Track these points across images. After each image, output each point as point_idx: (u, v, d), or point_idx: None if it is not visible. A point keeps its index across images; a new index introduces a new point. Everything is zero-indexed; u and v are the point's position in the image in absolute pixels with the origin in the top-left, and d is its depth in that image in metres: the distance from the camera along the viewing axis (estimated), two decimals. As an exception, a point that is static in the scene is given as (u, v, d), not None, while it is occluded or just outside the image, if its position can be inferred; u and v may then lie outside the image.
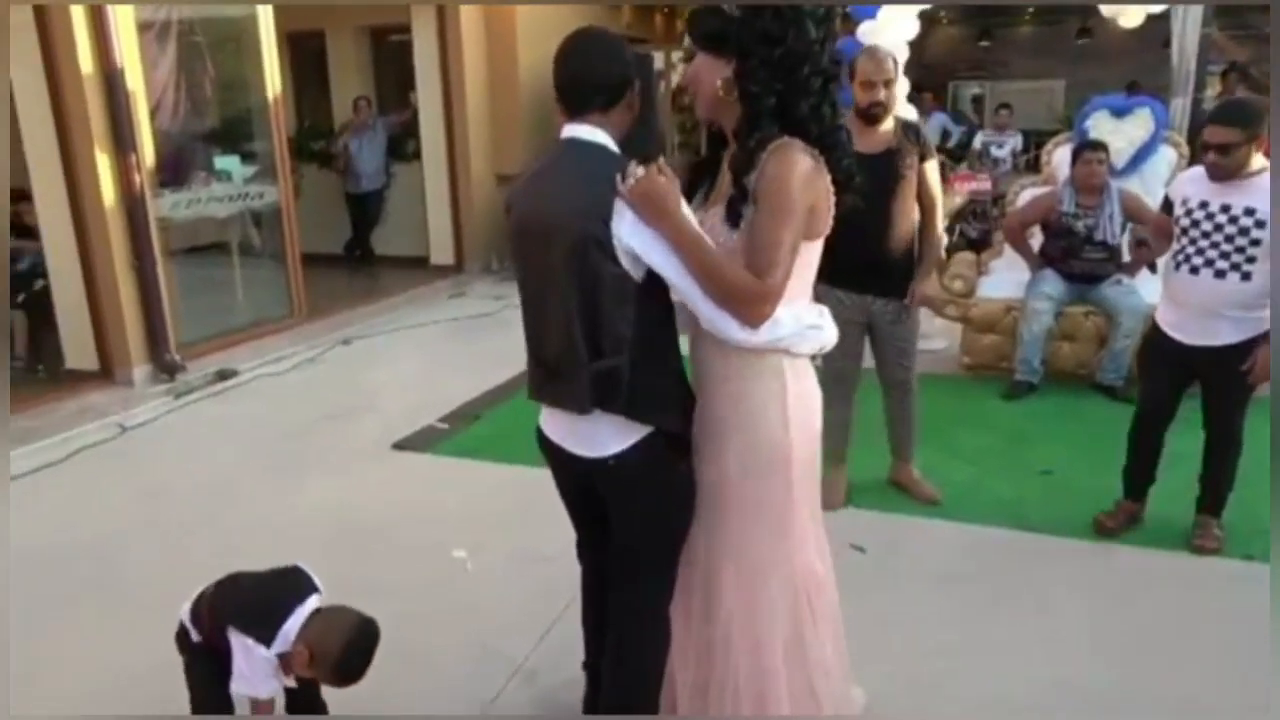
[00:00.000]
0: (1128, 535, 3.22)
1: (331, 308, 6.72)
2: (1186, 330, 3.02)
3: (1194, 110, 7.12)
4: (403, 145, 8.67)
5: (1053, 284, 4.64)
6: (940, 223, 3.50)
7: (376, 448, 4.29)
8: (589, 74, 1.81)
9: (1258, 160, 2.85)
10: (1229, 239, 2.88)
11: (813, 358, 1.91)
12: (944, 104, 11.55)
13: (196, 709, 2.14)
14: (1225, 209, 2.90)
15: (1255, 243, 2.85)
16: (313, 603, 2.07)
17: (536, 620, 2.78)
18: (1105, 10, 6.72)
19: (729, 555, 1.93)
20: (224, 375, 5.37)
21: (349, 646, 1.98)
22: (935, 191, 3.39)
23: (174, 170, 5.65)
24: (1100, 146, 4.56)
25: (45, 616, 2.91)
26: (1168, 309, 3.11)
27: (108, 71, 4.83)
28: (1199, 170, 3.00)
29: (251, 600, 2.09)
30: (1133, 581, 2.98)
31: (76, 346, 5.23)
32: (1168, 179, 4.78)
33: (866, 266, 3.20)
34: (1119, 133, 4.93)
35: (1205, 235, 2.93)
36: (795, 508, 1.92)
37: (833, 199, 1.78)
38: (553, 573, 3.05)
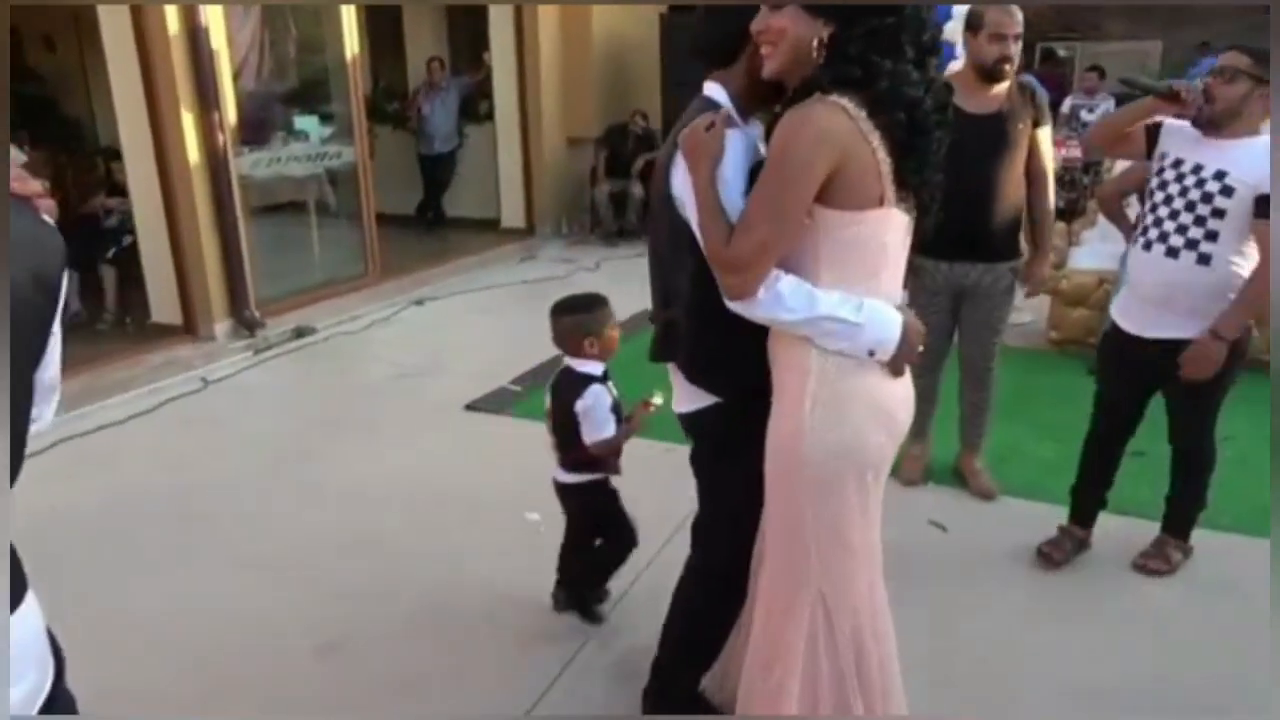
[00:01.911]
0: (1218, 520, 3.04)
1: (405, 268, 6.78)
2: (1133, 318, 2.64)
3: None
4: (475, 106, 8.67)
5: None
6: (1051, 196, 3.22)
7: (449, 408, 4.32)
8: (703, 34, 1.81)
9: (1260, 124, 2.43)
10: (1190, 206, 2.45)
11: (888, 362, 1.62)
12: (1029, 65, 11.09)
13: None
14: (1196, 169, 2.46)
15: (1218, 213, 2.41)
16: None
17: (612, 584, 2.77)
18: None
19: (763, 560, 1.83)
20: (301, 333, 5.46)
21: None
22: (1046, 161, 3.13)
23: (255, 129, 5.74)
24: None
25: (156, 556, 3.01)
26: (1124, 294, 2.74)
27: (193, 30, 4.89)
28: (1185, 123, 2.53)
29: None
30: (1222, 569, 2.83)
31: (162, 301, 5.37)
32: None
33: (966, 236, 2.94)
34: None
35: (1167, 201, 2.50)
36: (812, 529, 1.67)
37: (888, 165, 1.53)
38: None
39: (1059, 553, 2.88)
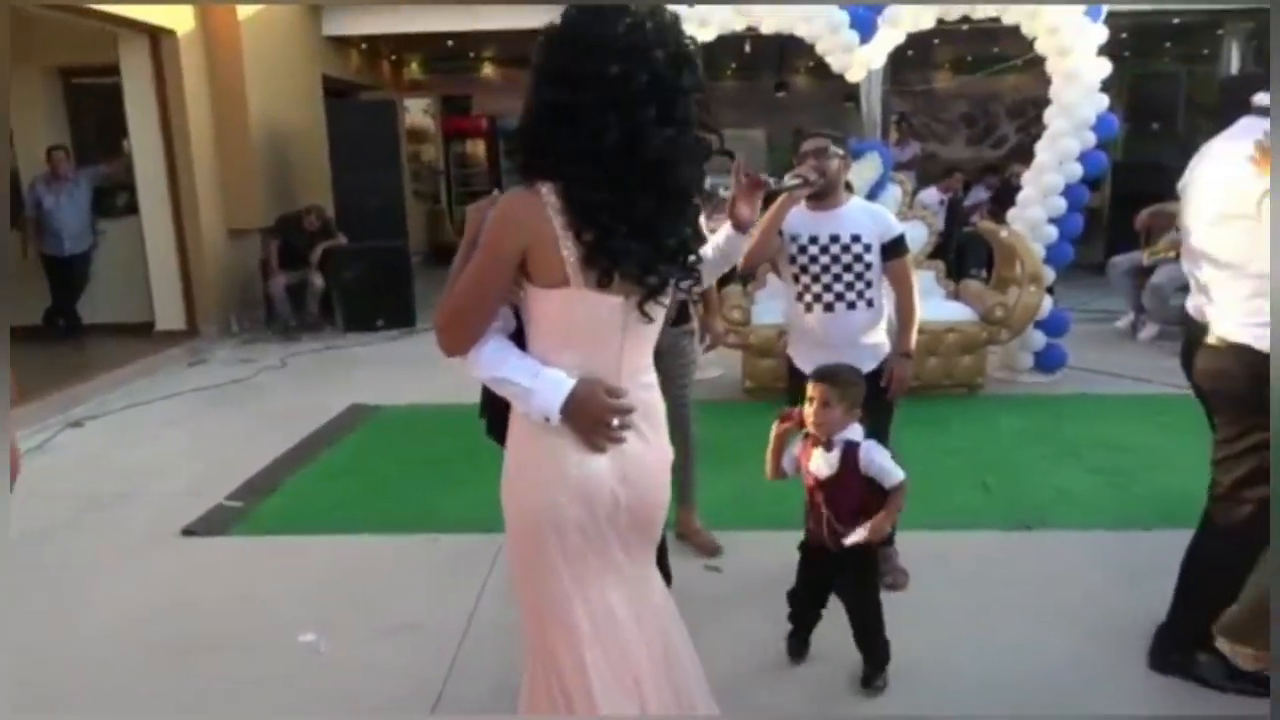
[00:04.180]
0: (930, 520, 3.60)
1: (45, 387, 5.78)
2: (817, 362, 2.83)
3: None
4: (111, 199, 7.74)
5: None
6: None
7: (163, 537, 3.75)
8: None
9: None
10: (847, 268, 2.93)
11: None
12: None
13: None
14: (835, 239, 2.93)
15: (868, 266, 2.93)
16: None
17: (425, 690, 2.60)
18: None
19: None
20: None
21: None
22: (709, 246, 3.47)
23: None
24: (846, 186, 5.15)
25: None
26: (807, 352, 3.00)
27: None
28: (798, 207, 2.92)
29: None
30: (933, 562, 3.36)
31: None
32: (897, 212, 5.51)
33: None
34: (854, 173, 5.60)
35: (826, 269, 2.94)
36: (526, 594, 1.75)
37: (575, 251, 1.58)
38: (421, 640, 2.89)
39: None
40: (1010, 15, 5.63)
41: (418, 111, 13.07)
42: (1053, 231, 5.71)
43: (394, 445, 4.94)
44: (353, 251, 7.87)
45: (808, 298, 2.99)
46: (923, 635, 2.75)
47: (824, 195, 2.91)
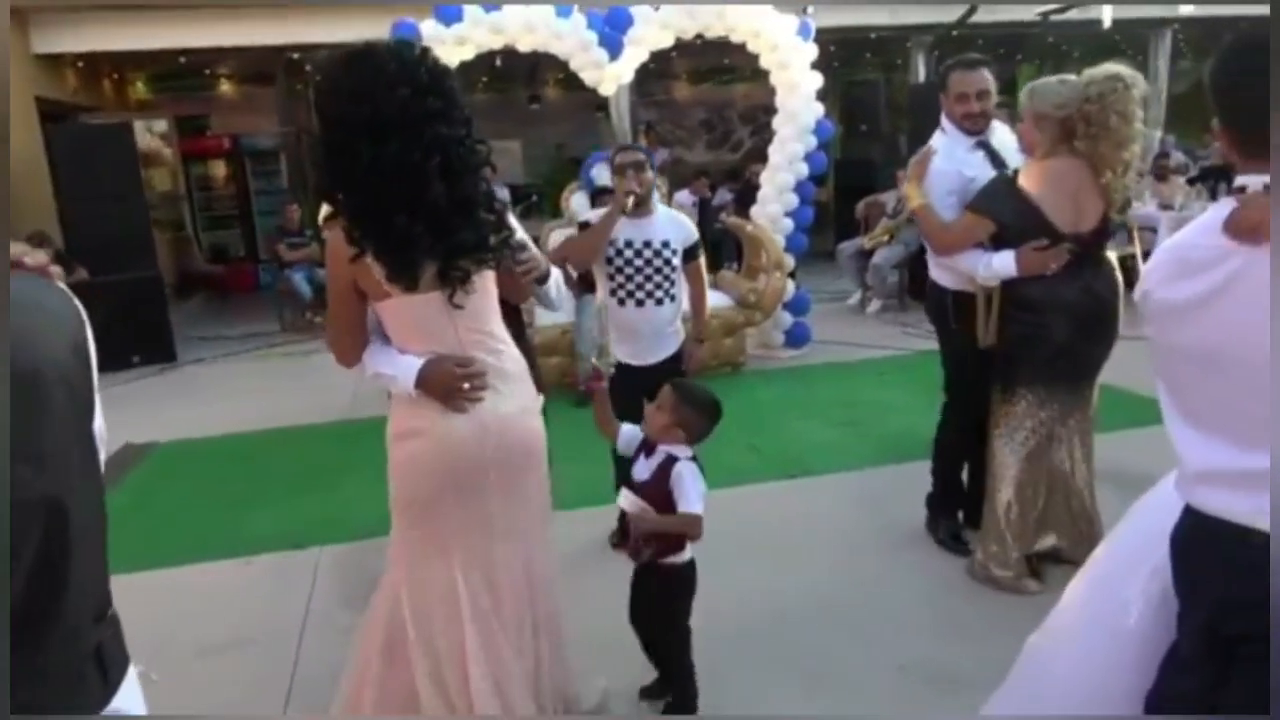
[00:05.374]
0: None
1: None
2: (643, 356, 3.42)
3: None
4: None
5: (595, 303, 5.58)
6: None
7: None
8: None
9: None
10: (657, 270, 3.35)
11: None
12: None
13: None
14: (648, 244, 3.33)
15: (673, 268, 3.38)
16: None
17: (272, 690, 2.69)
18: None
19: None
20: None
21: None
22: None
23: None
24: (609, 190, 5.60)
25: None
26: (624, 343, 3.45)
27: None
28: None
29: None
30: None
31: None
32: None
33: None
34: (616, 179, 6.09)
35: (639, 270, 3.34)
36: (396, 529, 2.10)
37: (378, 269, 1.91)
38: (259, 650, 2.96)
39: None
40: (737, 34, 6.35)
41: (144, 133, 12.16)
42: (790, 224, 6.51)
43: (177, 479, 4.78)
44: (99, 285, 7.33)
45: (621, 294, 3.39)
46: (718, 578, 3.19)
47: (640, 204, 3.29)
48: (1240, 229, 1.28)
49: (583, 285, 5.56)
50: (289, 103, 11.49)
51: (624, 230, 3.35)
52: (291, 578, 3.41)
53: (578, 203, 6.08)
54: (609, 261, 3.40)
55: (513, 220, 2.23)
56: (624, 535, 2.75)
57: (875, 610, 3.02)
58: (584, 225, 3.42)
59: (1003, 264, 2.93)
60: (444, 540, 2.05)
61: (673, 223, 3.47)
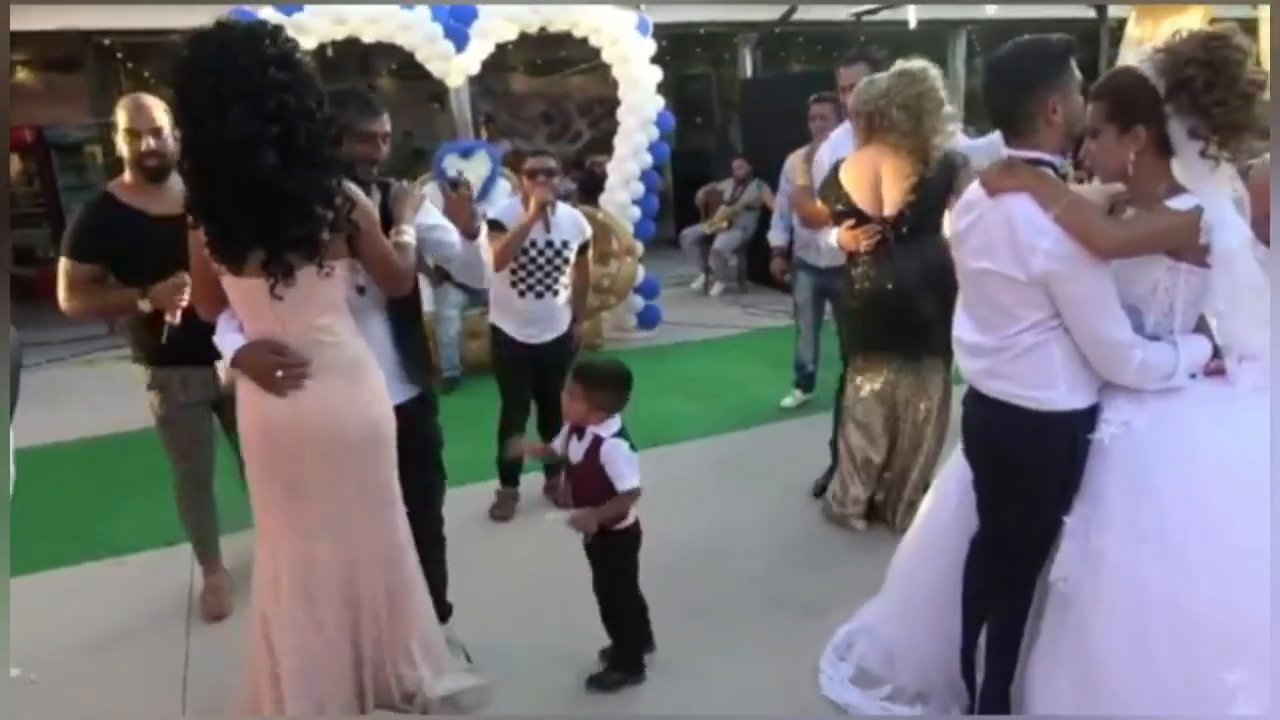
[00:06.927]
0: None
1: None
2: (538, 336, 3.74)
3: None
4: None
5: (455, 295, 5.68)
6: None
7: None
8: None
9: None
10: (557, 267, 3.68)
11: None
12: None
13: None
14: (549, 244, 3.65)
15: (568, 263, 3.71)
16: None
17: (166, 683, 2.72)
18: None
19: None
20: None
21: None
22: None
23: None
24: (464, 184, 5.70)
25: None
26: (515, 323, 3.73)
27: None
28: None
29: None
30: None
31: None
32: (506, 206, 6.18)
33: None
34: (469, 170, 6.18)
35: (540, 266, 3.65)
36: (252, 492, 2.28)
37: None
38: (145, 645, 2.96)
39: (503, 510, 3.85)
40: (579, 28, 6.58)
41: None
42: (637, 211, 6.82)
43: (35, 486, 4.53)
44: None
45: (521, 286, 3.68)
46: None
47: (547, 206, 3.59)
48: (987, 186, 1.95)
49: (439, 274, 5.70)
50: (102, 93, 10.76)
51: (531, 230, 3.60)
52: (168, 572, 3.39)
53: (429, 192, 6.13)
54: (514, 258, 3.63)
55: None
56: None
57: (748, 555, 3.38)
58: (494, 224, 3.52)
59: (832, 241, 3.42)
60: (271, 529, 2.26)
61: (572, 223, 3.76)
